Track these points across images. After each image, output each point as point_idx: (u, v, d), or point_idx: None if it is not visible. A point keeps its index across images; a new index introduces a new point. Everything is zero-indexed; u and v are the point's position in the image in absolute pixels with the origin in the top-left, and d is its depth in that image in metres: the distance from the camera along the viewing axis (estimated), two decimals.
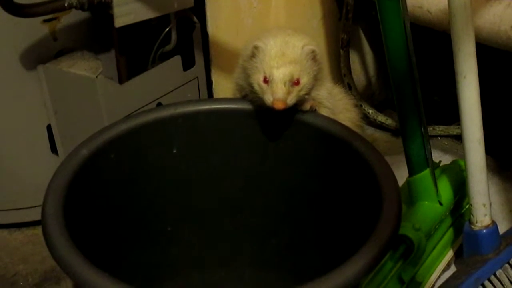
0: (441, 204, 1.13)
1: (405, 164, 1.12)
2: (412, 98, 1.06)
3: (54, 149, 1.28)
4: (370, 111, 1.59)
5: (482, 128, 0.98)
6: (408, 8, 1.06)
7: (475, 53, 0.94)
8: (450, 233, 1.18)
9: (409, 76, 1.04)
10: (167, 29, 1.26)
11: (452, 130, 1.56)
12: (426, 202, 1.13)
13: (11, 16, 1.06)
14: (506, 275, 1.02)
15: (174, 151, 1.00)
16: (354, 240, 0.78)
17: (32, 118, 1.23)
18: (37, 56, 1.18)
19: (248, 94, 1.01)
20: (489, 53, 1.25)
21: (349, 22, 1.48)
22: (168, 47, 1.27)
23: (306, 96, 0.97)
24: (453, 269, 1.16)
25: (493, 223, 1.03)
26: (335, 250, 0.91)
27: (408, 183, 1.15)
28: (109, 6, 1.11)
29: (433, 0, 1.30)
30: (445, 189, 1.15)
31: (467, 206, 1.11)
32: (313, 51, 0.97)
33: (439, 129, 1.57)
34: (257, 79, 0.95)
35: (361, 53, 1.68)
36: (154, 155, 0.99)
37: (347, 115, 1.12)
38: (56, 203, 0.80)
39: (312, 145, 0.99)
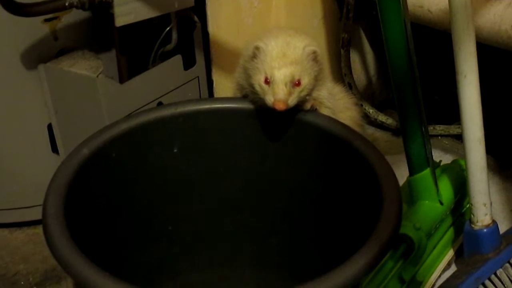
0: (441, 203, 1.13)
1: (406, 164, 1.12)
2: (413, 97, 1.06)
3: (54, 149, 1.28)
4: (371, 110, 1.59)
5: (482, 127, 0.98)
6: (409, 8, 1.06)
7: (475, 52, 0.94)
8: (450, 233, 1.18)
9: (410, 75, 1.04)
10: (168, 28, 1.26)
11: (453, 129, 1.56)
12: (427, 202, 1.13)
13: (12, 16, 1.06)
14: (507, 275, 1.02)
15: (175, 151, 1.00)
16: (355, 239, 0.78)
17: (32, 118, 1.23)
18: (37, 56, 1.18)
19: (249, 94, 1.01)
20: (490, 52, 1.25)
21: (350, 21, 1.48)
22: (169, 47, 1.27)
23: (307, 97, 0.98)
24: (453, 268, 1.16)
25: (494, 222, 1.03)
26: (336, 249, 0.91)
27: (408, 182, 1.15)
28: (109, 6, 1.12)
29: None
30: (446, 188, 1.15)
31: (468, 205, 1.12)
32: (314, 52, 0.97)
33: (439, 129, 1.57)
34: (258, 80, 0.95)
35: (361, 52, 1.68)
36: (155, 154, 0.99)
37: (347, 114, 1.12)
38: (57, 203, 0.80)
39: (312, 145, 0.99)
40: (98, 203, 0.92)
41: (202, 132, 1.01)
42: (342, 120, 1.00)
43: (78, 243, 0.74)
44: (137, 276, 1.00)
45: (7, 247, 1.31)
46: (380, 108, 1.64)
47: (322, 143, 0.97)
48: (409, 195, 1.15)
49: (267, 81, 0.94)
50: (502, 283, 1.01)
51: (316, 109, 1.00)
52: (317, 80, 0.99)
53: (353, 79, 1.57)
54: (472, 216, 1.03)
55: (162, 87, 1.28)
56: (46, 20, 1.17)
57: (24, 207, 1.31)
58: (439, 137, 1.58)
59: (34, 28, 1.16)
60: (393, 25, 1.00)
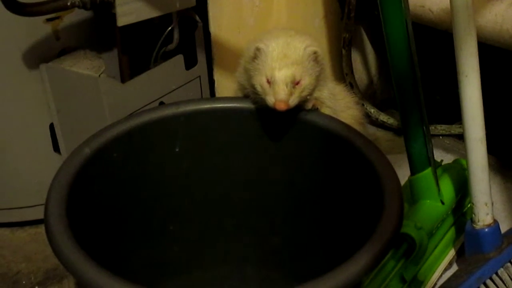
0: (443, 203, 1.13)
1: (407, 163, 1.12)
2: (414, 97, 1.06)
3: (56, 148, 1.28)
4: (372, 110, 1.59)
5: (484, 127, 0.98)
6: (410, 7, 1.06)
7: (477, 52, 0.94)
8: (452, 232, 1.18)
9: (411, 75, 1.04)
10: (170, 28, 1.26)
11: (454, 129, 1.56)
12: (428, 201, 1.13)
13: (14, 15, 1.06)
14: (508, 274, 1.02)
15: (176, 150, 1.01)
16: (356, 238, 0.78)
17: (34, 117, 1.23)
18: (39, 55, 1.18)
19: (250, 94, 1.01)
20: (491, 52, 1.25)
21: (351, 21, 1.48)
22: (171, 46, 1.27)
23: (309, 97, 0.98)
24: (455, 268, 1.16)
25: (495, 222, 1.03)
26: (337, 248, 0.91)
27: (410, 182, 1.15)
28: (111, 5, 1.12)
29: None
30: (447, 188, 1.15)
31: (469, 205, 1.12)
32: (315, 53, 0.97)
33: (441, 128, 1.57)
34: (259, 81, 0.95)
35: (363, 52, 1.68)
36: (156, 154, 0.99)
37: (349, 113, 1.13)
38: (59, 202, 0.80)
39: (314, 144, 0.99)
40: (100, 202, 0.93)
41: (204, 132, 1.01)
42: (343, 119, 1.00)
43: (80, 242, 0.74)
44: (138, 275, 1.00)
45: (9, 246, 1.31)
46: (381, 107, 1.64)
47: (323, 143, 0.97)
48: (410, 195, 1.15)
49: (268, 82, 0.94)
50: (503, 282, 1.01)
51: (317, 108, 1.00)
52: (318, 80, 0.99)
53: (354, 78, 1.57)
54: (473, 215, 1.03)
55: (164, 86, 1.28)
56: (48, 20, 1.17)
57: (26, 206, 1.31)
58: (441, 137, 1.58)
59: (36, 28, 1.16)
60: (394, 24, 1.00)
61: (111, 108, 1.17)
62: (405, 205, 0.92)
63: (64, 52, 1.22)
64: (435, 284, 1.13)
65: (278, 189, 1.03)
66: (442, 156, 1.45)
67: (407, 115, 1.08)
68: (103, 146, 0.92)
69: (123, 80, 1.20)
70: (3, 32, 1.14)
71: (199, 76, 1.36)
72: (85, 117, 1.21)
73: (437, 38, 1.41)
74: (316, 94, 1.00)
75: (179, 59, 1.29)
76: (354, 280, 0.70)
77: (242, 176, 1.04)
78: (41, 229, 1.27)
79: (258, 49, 0.97)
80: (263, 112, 0.99)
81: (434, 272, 1.13)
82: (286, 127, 1.00)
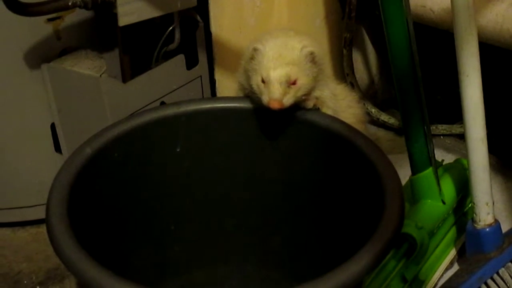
0: (444, 202, 1.13)
1: (408, 163, 1.12)
2: (415, 97, 1.06)
3: (58, 148, 1.28)
4: (373, 110, 1.59)
5: (485, 127, 0.98)
6: (411, 7, 1.06)
7: (478, 52, 0.94)
8: (453, 232, 1.18)
9: (412, 75, 1.04)
10: (171, 28, 1.26)
11: (455, 129, 1.56)
12: (429, 201, 1.13)
13: (15, 15, 1.06)
14: (509, 274, 1.02)
15: (177, 150, 1.01)
16: (357, 238, 0.78)
17: (36, 117, 1.23)
18: (40, 55, 1.18)
19: (250, 94, 1.01)
20: (492, 52, 1.25)
21: (352, 21, 1.48)
22: (172, 46, 1.27)
23: (303, 97, 0.98)
24: (456, 267, 1.16)
25: (496, 221, 1.03)
26: (338, 248, 0.91)
27: (411, 181, 1.15)
28: (112, 5, 1.12)
29: None
30: (448, 187, 1.15)
31: (470, 204, 1.12)
32: (312, 53, 0.97)
33: (442, 128, 1.57)
34: (256, 80, 0.96)
35: (364, 52, 1.68)
36: (157, 153, 0.99)
37: (350, 112, 1.13)
38: (60, 202, 0.80)
39: (315, 144, 0.99)
40: (101, 202, 0.93)
41: (205, 132, 1.01)
42: (345, 119, 1.00)
43: (81, 242, 0.74)
44: (139, 274, 1.00)
45: (10, 246, 1.31)
46: (382, 107, 1.64)
47: (324, 142, 0.97)
48: (411, 195, 1.15)
49: (263, 81, 0.95)
50: (504, 282, 1.01)
51: (318, 108, 1.00)
52: (316, 80, 0.99)
53: (355, 78, 1.57)
54: (474, 215, 1.03)
55: (165, 86, 1.28)
56: (49, 20, 1.17)
57: (27, 206, 1.31)
58: (442, 137, 1.58)
59: (37, 28, 1.17)
60: (395, 24, 1.00)
61: (112, 108, 1.17)
62: (406, 205, 0.92)
63: (65, 52, 1.22)
64: (436, 283, 1.13)
65: (279, 189, 1.03)
66: (443, 156, 1.45)
67: (408, 115, 1.08)
68: (104, 146, 0.92)
69: (124, 80, 1.20)
70: (5, 32, 1.14)
71: (200, 76, 1.36)
72: (86, 117, 1.21)
73: (438, 38, 1.41)
74: (317, 93, 1.00)
75: (180, 59, 1.29)
76: (355, 280, 0.70)
77: (243, 176, 1.04)
78: (42, 229, 1.28)
79: (255, 49, 0.97)
80: (263, 112, 0.99)
81: (435, 271, 1.13)
82: (287, 127, 1.00)
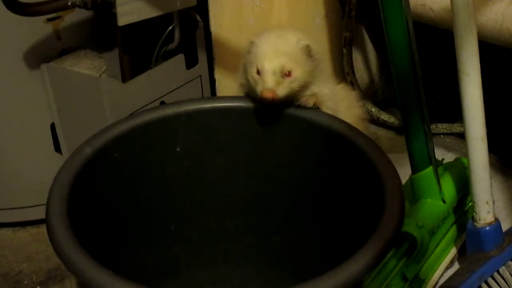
0: (444, 201, 1.13)
1: (408, 162, 1.12)
2: (415, 96, 1.06)
3: (57, 148, 1.28)
4: (373, 109, 1.59)
5: (485, 125, 0.98)
6: (411, 6, 1.06)
7: (477, 50, 0.94)
8: (453, 231, 1.18)
9: (412, 74, 1.04)
10: (170, 27, 1.26)
11: (455, 128, 1.56)
12: (429, 200, 1.13)
13: (14, 15, 1.06)
14: (510, 272, 1.02)
15: (177, 150, 1.01)
16: (357, 237, 0.78)
17: (35, 117, 1.23)
18: (40, 55, 1.18)
19: (249, 92, 1.01)
20: (492, 50, 1.25)
21: (352, 20, 1.48)
22: (171, 46, 1.27)
23: (299, 91, 0.98)
24: (456, 266, 1.16)
25: (496, 220, 1.03)
26: (339, 247, 0.91)
27: (411, 180, 1.15)
28: (112, 5, 1.12)
29: None
30: (448, 186, 1.15)
31: (470, 203, 1.12)
32: (307, 46, 0.98)
33: (442, 127, 1.57)
34: (251, 72, 0.97)
35: (364, 51, 1.68)
36: (157, 153, 0.99)
37: (351, 111, 1.13)
38: (60, 202, 0.80)
39: (315, 143, 0.99)
40: (101, 202, 0.93)
41: (205, 131, 1.01)
42: (345, 118, 1.00)
43: (81, 241, 0.74)
44: (140, 274, 1.00)
45: (10, 246, 1.31)
46: (382, 106, 1.64)
47: (324, 142, 0.97)
48: (411, 193, 1.15)
49: (258, 73, 0.95)
50: (505, 281, 1.01)
51: (318, 107, 1.00)
52: (313, 75, 1.00)
53: (355, 78, 1.57)
54: (474, 214, 1.03)
55: (165, 86, 1.28)
56: (49, 20, 1.17)
57: (27, 206, 1.31)
58: (442, 135, 1.58)
59: (37, 28, 1.17)
60: (395, 23, 1.00)
61: (112, 107, 1.17)
62: (406, 204, 0.92)
63: (65, 52, 1.22)
64: (437, 282, 1.13)
65: (279, 188, 1.03)
66: (443, 155, 1.45)
67: (408, 114, 1.08)
68: (104, 146, 0.92)
69: (124, 80, 1.20)
70: (4, 32, 1.14)
71: (200, 76, 1.37)
72: (86, 117, 1.21)
73: (438, 37, 1.41)
74: (316, 90, 1.00)
75: (180, 58, 1.29)
76: (355, 279, 0.70)
77: (243, 175, 1.04)
78: (43, 229, 1.28)
79: (251, 42, 0.99)
80: (264, 111, 0.99)
81: (436, 270, 1.13)
82: (287, 126, 1.00)
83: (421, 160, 1.11)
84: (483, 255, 1.02)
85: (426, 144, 1.09)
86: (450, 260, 1.16)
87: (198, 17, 1.33)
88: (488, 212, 1.02)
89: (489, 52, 1.16)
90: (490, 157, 1.00)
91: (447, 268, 1.15)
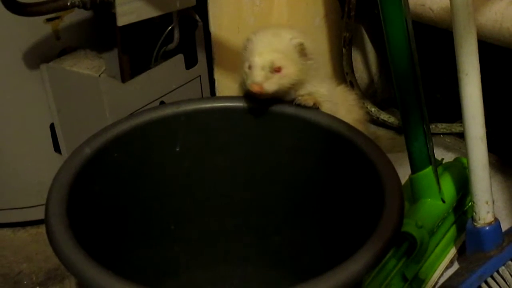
0: (443, 201, 1.13)
1: (408, 162, 1.12)
2: (415, 96, 1.06)
3: (57, 148, 1.28)
4: (373, 109, 1.59)
5: (484, 125, 0.98)
6: (410, 6, 1.06)
7: (477, 50, 0.94)
8: (453, 230, 1.18)
9: (411, 74, 1.04)
10: (170, 27, 1.26)
11: (455, 127, 1.56)
12: (429, 200, 1.13)
13: (14, 15, 1.06)
14: (509, 272, 1.02)
15: (177, 150, 1.00)
16: (357, 237, 0.78)
17: (35, 117, 1.23)
18: (40, 55, 1.18)
19: (245, 89, 1.01)
20: (491, 50, 1.25)
21: (352, 20, 1.48)
22: (171, 46, 1.27)
23: (289, 86, 0.98)
24: (456, 266, 1.16)
25: (496, 220, 1.03)
26: (338, 247, 0.91)
27: (410, 180, 1.15)
28: (111, 5, 1.12)
29: None
30: (448, 186, 1.15)
31: (470, 203, 1.12)
32: (301, 44, 0.98)
33: (441, 127, 1.57)
34: (244, 67, 0.98)
35: (363, 51, 1.68)
36: (157, 153, 0.99)
37: (350, 116, 1.13)
38: (60, 202, 0.80)
39: (314, 143, 0.99)
40: (101, 202, 0.93)
41: (204, 131, 1.01)
42: (345, 119, 1.00)
43: (80, 242, 0.74)
44: (139, 274, 1.00)
45: (10, 246, 1.31)
46: (382, 106, 1.64)
47: (324, 142, 0.97)
48: (411, 193, 1.15)
49: (249, 68, 0.96)
50: (504, 280, 1.01)
51: (318, 108, 1.00)
52: (308, 75, 1.00)
53: (355, 77, 1.57)
54: (474, 214, 1.03)
55: (164, 86, 1.28)
56: (48, 20, 1.17)
57: (26, 206, 1.31)
58: (441, 135, 1.58)
59: (36, 28, 1.16)
60: (394, 23, 1.00)
61: (111, 107, 1.17)
62: (406, 204, 0.93)
63: (64, 52, 1.22)
64: (437, 282, 1.13)
65: (279, 188, 1.03)
66: (442, 155, 1.45)
67: (407, 113, 1.08)
68: (104, 146, 0.92)
69: (123, 80, 1.20)
70: (3, 32, 1.14)
71: (200, 76, 1.36)
72: (85, 117, 1.21)
73: (437, 37, 1.41)
74: (312, 89, 1.01)
75: (179, 58, 1.29)
76: (355, 279, 0.70)
77: (243, 175, 1.04)
78: (42, 229, 1.27)
79: (247, 39, 1.00)
80: (264, 111, 0.99)
81: (435, 270, 1.13)
82: (287, 126, 1.00)
83: (420, 160, 1.10)
84: (483, 255, 1.02)
85: (426, 144, 1.09)
86: (449, 260, 1.16)
87: (197, 17, 1.33)
88: (488, 212, 1.02)
89: (489, 52, 1.16)
90: (489, 157, 1.00)
91: (446, 268, 1.15)
